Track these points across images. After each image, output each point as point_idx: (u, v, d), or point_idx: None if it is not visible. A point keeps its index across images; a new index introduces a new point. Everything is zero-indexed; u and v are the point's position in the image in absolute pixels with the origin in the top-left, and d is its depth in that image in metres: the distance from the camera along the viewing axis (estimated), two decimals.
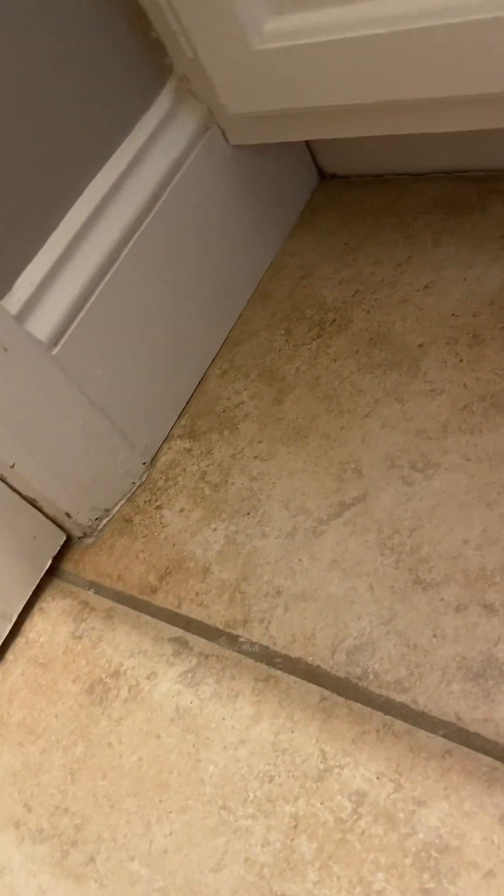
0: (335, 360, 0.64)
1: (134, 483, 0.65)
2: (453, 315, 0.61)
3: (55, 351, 0.56)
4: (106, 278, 0.59)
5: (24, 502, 0.60)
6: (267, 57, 0.56)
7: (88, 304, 0.57)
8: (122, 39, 0.58)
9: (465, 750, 0.44)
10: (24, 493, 0.59)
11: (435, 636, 0.48)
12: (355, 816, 0.44)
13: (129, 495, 0.65)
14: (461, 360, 0.59)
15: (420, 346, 0.61)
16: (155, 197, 0.62)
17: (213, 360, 0.70)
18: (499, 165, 0.69)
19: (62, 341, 0.56)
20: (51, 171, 0.56)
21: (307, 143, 0.77)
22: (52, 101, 0.55)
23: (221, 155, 0.67)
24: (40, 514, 0.61)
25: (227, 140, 0.67)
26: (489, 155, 0.69)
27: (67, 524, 0.62)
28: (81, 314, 0.57)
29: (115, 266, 0.59)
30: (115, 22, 0.57)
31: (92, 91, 0.57)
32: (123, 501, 0.64)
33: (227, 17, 0.54)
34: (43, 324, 0.56)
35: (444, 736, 0.45)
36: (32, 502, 0.60)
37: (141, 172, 0.62)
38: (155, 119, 0.62)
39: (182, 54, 0.60)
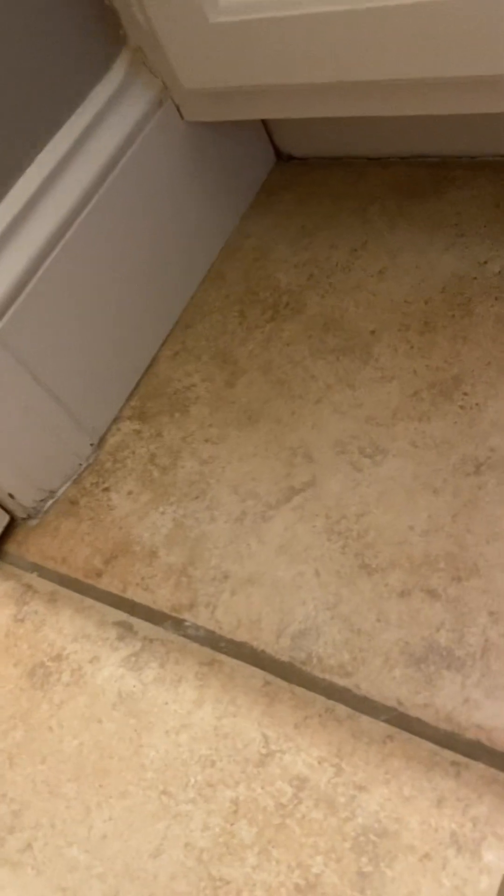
0: (288, 345, 0.64)
1: (80, 464, 0.64)
2: (406, 301, 0.61)
3: None
4: (53, 254, 0.57)
5: None
6: (223, 30, 0.54)
7: (34, 281, 0.56)
8: (73, 7, 0.56)
9: (406, 735, 0.44)
10: None
11: (379, 621, 0.48)
12: (296, 801, 0.44)
13: (75, 477, 0.63)
14: (412, 347, 0.59)
15: (372, 332, 0.61)
16: (106, 172, 0.60)
17: (165, 341, 0.69)
18: (454, 152, 0.69)
19: (5, 318, 0.55)
20: None
21: (264, 122, 0.75)
22: None
23: (176, 131, 0.66)
24: None
25: (181, 116, 0.66)
26: (445, 141, 0.69)
27: (10, 505, 0.61)
28: (26, 291, 0.56)
29: (63, 242, 0.58)
30: None
31: (40, 60, 0.55)
32: (69, 483, 0.63)
33: None
34: None
35: (385, 721, 0.45)
36: None
37: (91, 146, 0.60)
38: (107, 91, 0.61)
39: (137, 25, 0.59)
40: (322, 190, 0.73)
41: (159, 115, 0.64)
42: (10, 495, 0.60)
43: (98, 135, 0.60)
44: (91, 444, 0.64)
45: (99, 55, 0.60)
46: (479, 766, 0.42)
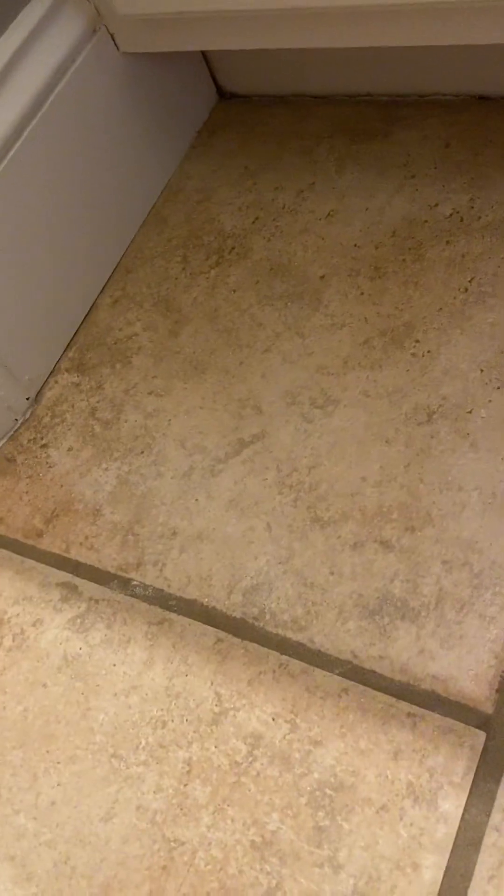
0: (234, 291, 0.61)
1: (17, 420, 0.60)
2: (355, 246, 0.59)
3: None
4: None
5: None
6: None
7: None
8: None
9: (361, 688, 0.43)
10: None
11: (332, 574, 0.47)
12: (250, 759, 0.43)
13: (11, 433, 0.60)
14: (362, 293, 0.57)
15: (322, 277, 0.59)
16: (36, 105, 0.56)
17: (104, 287, 0.66)
18: (404, 90, 0.66)
19: None
20: None
21: (206, 58, 0.71)
22: None
23: (111, 63, 0.61)
24: None
25: (117, 46, 0.61)
26: (395, 79, 0.66)
27: None
28: None
29: None
30: None
31: None
32: (5, 439, 0.60)
33: None
34: None
35: (340, 674, 0.44)
36: None
37: (19, 77, 0.56)
38: (35, 16, 0.56)
39: None
40: (267, 129, 0.70)
41: (93, 45, 0.60)
42: None
43: (25, 64, 0.56)
44: (27, 399, 0.61)
45: None
46: (435, 717, 0.41)
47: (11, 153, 0.55)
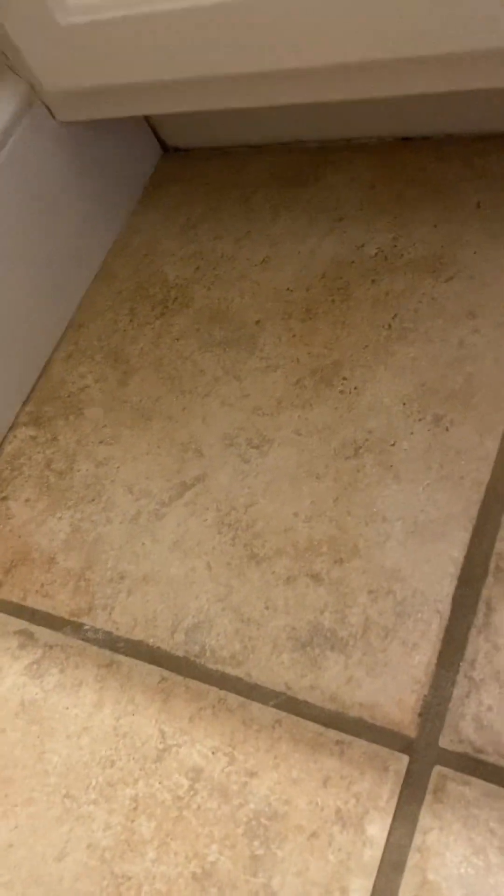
0: (178, 339, 0.64)
1: None
2: (288, 289, 0.62)
3: None
4: None
5: None
6: (75, 31, 0.54)
7: None
8: None
9: (294, 718, 0.45)
10: None
11: (267, 609, 0.49)
12: (192, 793, 0.45)
13: None
14: (294, 335, 0.59)
15: (257, 322, 0.62)
16: None
17: (58, 343, 0.69)
18: (332, 136, 0.69)
19: None
20: None
21: (146, 116, 0.75)
22: None
23: (49, 132, 0.65)
24: None
25: (53, 116, 0.65)
26: (323, 125, 0.69)
27: None
28: None
29: None
30: None
31: None
32: None
33: None
34: None
35: (274, 706, 0.46)
36: None
37: None
38: None
39: None
40: (207, 180, 0.73)
41: (29, 117, 0.63)
42: None
43: None
44: None
45: None
46: (362, 743, 0.43)
47: None
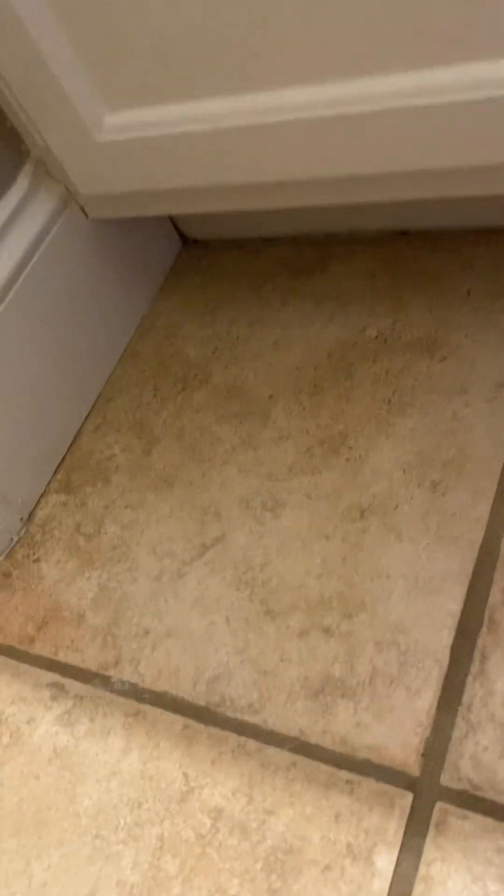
0: (198, 412, 0.70)
1: (12, 539, 0.69)
2: (297, 368, 0.68)
3: None
4: None
5: None
6: (110, 147, 0.62)
7: None
8: None
9: (308, 760, 0.49)
10: None
11: (282, 661, 0.54)
12: (213, 831, 0.49)
13: (7, 551, 0.68)
14: (304, 409, 0.65)
15: (270, 396, 0.68)
16: (17, 271, 0.67)
17: (87, 416, 0.75)
18: (337, 230, 0.77)
19: None
20: None
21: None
22: None
23: (82, 229, 0.73)
24: None
25: (86, 215, 0.73)
26: (328, 221, 0.77)
27: None
28: None
29: None
30: None
31: None
32: (2, 557, 0.68)
33: (68, 113, 0.59)
34: None
35: (289, 750, 0.50)
36: None
37: (4, 248, 0.66)
38: (13, 201, 0.67)
39: (35, 143, 0.66)
40: (223, 270, 0.80)
41: (65, 217, 0.71)
42: None
43: (7, 240, 0.67)
44: (21, 519, 0.69)
45: (5, 169, 0.67)
46: (370, 782, 0.47)
47: None
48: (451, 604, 0.51)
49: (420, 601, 0.52)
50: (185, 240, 0.85)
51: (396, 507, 0.57)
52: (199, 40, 0.52)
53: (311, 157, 0.56)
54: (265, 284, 0.76)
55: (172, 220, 0.84)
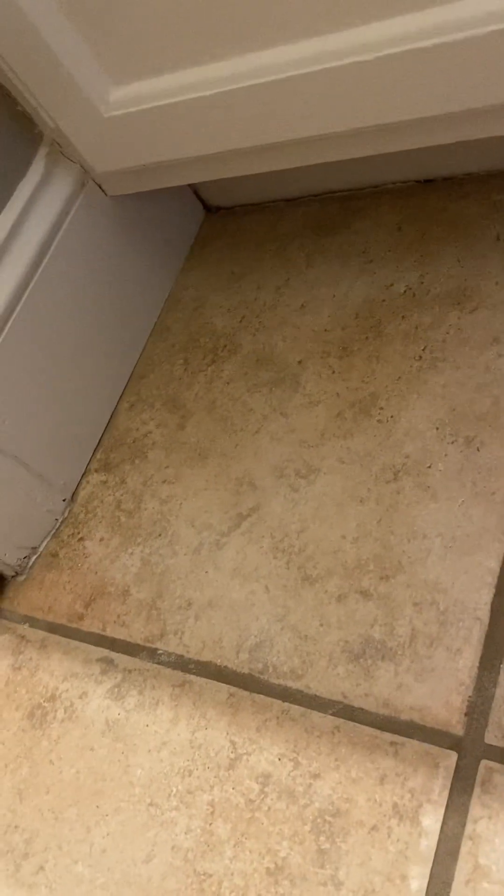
0: (228, 383, 0.70)
1: (57, 519, 0.70)
2: (325, 330, 0.67)
3: None
4: (1, 336, 0.64)
5: None
6: (119, 121, 0.61)
7: None
8: None
9: (351, 724, 0.49)
10: None
11: (321, 625, 0.54)
12: (262, 796, 0.49)
13: (53, 531, 0.70)
14: (333, 372, 0.64)
15: (299, 362, 0.67)
16: (41, 254, 0.67)
17: (122, 394, 0.76)
18: (360, 184, 0.75)
19: None
20: None
21: None
22: None
23: (102, 207, 0.72)
24: None
25: (105, 192, 0.72)
26: (351, 175, 0.75)
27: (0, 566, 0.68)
28: None
29: (10, 324, 0.64)
30: None
31: None
32: (49, 538, 0.70)
33: (74, 92, 0.59)
34: None
35: (333, 714, 0.50)
36: None
37: (25, 232, 0.67)
38: (32, 183, 0.68)
39: (46, 124, 0.66)
40: (247, 236, 0.79)
41: (84, 196, 0.71)
42: None
43: (29, 222, 0.67)
44: (64, 500, 0.70)
45: (20, 153, 0.67)
46: (414, 743, 0.47)
47: (26, 294, 0.66)
48: (490, 561, 0.50)
49: (458, 560, 0.51)
50: (208, 208, 0.84)
51: (430, 465, 0.56)
52: (198, 3, 0.51)
53: (322, 111, 0.55)
54: (290, 246, 0.75)
55: (193, 189, 0.83)
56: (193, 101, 0.57)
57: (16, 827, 0.56)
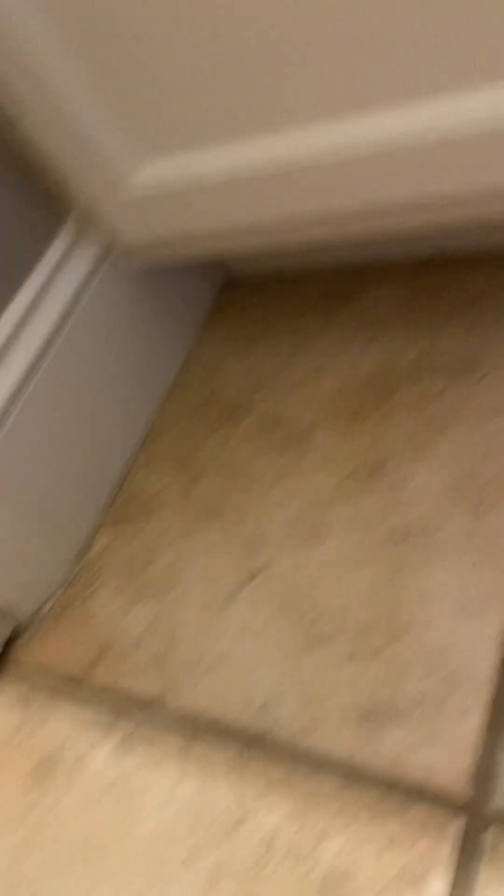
0: (241, 444, 0.72)
1: (69, 573, 0.71)
2: (338, 393, 0.69)
3: None
4: (20, 402, 0.66)
5: None
6: (143, 201, 0.64)
7: (5, 430, 0.65)
8: (21, 187, 0.67)
9: (359, 785, 0.50)
10: None
11: (330, 685, 0.54)
12: (268, 856, 0.49)
13: (66, 584, 0.71)
14: (345, 434, 0.66)
15: (311, 424, 0.69)
16: (61, 325, 0.70)
17: (137, 452, 0.78)
18: (372, 256, 0.78)
19: None
20: None
21: None
22: None
23: (127, 275, 0.76)
24: None
25: (129, 263, 0.76)
26: (365, 248, 0.78)
27: (13, 615, 0.68)
28: (5, 429, 0.65)
29: (29, 390, 0.67)
30: (11, 175, 0.66)
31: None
32: (62, 589, 0.71)
33: (103, 169, 0.63)
34: None
35: (340, 775, 0.50)
36: None
37: (51, 298, 0.70)
38: (59, 252, 0.71)
39: (74, 199, 0.69)
40: (263, 301, 0.82)
41: (108, 265, 0.74)
42: (12, 607, 0.67)
43: (55, 288, 0.70)
44: (76, 554, 0.72)
45: (49, 222, 0.71)
46: (422, 805, 0.47)
47: (47, 360, 0.68)
48: (497, 623, 0.51)
49: (466, 622, 0.52)
50: (227, 273, 0.88)
51: (439, 529, 0.57)
52: (236, 75, 0.53)
53: (346, 191, 0.58)
54: (304, 313, 0.78)
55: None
56: (207, 187, 0.60)
57: (21, 879, 0.56)
